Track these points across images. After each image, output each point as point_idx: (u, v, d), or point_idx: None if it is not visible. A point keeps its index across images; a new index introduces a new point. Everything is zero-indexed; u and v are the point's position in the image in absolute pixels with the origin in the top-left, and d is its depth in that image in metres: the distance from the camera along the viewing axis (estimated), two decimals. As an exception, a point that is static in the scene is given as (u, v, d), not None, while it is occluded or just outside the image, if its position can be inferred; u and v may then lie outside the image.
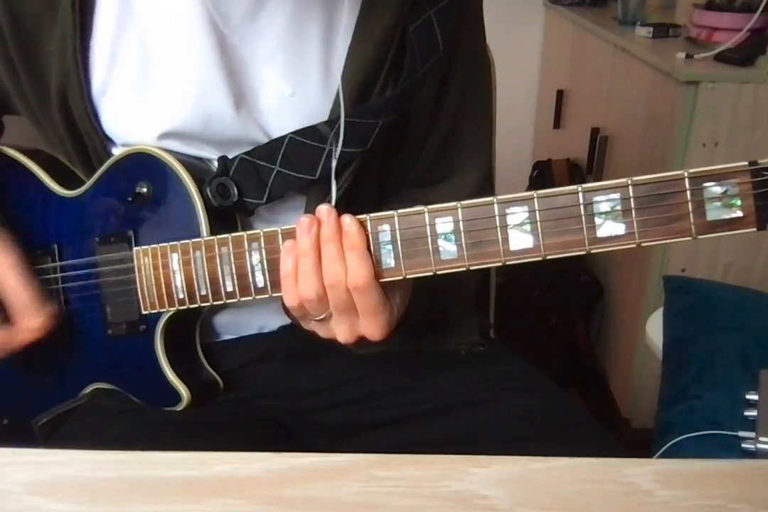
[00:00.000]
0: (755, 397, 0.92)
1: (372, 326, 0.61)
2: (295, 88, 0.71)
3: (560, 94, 2.37)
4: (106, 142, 0.75)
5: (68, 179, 0.77)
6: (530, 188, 2.41)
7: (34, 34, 0.71)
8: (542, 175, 2.28)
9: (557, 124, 2.41)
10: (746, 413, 0.91)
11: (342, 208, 0.73)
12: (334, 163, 0.70)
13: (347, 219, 0.60)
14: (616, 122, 1.91)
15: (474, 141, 0.82)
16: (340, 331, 0.62)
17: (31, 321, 0.71)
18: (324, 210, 0.60)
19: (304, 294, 0.60)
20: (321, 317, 0.62)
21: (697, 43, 1.65)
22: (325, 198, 0.73)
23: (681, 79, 1.46)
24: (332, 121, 0.70)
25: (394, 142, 0.77)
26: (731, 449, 0.90)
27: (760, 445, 0.87)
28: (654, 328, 1.23)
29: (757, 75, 1.45)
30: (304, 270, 0.60)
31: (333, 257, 0.59)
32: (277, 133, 0.72)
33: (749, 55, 1.48)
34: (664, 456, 0.95)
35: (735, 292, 1.25)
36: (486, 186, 0.82)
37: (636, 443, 0.93)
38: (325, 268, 0.60)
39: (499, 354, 0.84)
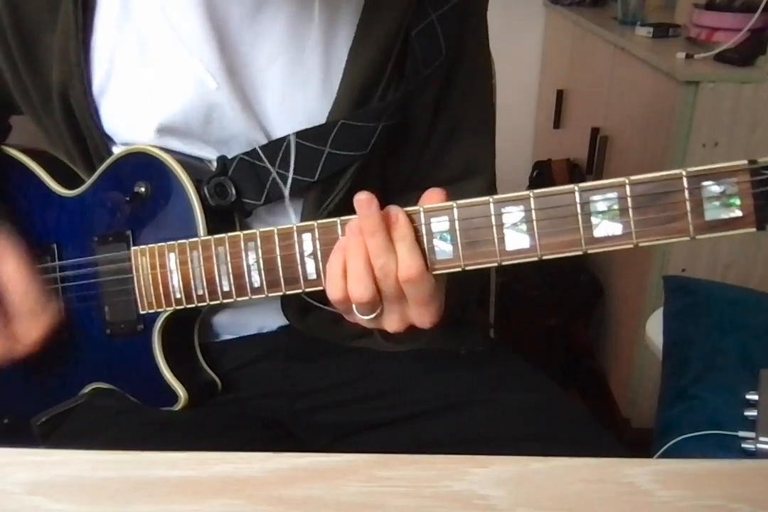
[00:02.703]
0: (755, 397, 0.92)
1: (424, 314, 0.59)
2: (295, 89, 0.71)
3: (560, 94, 2.37)
4: (107, 140, 0.75)
5: (69, 179, 0.77)
6: (530, 188, 2.40)
7: (36, 33, 0.71)
8: (542, 175, 2.28)
9: (557, 124, 2.41)
10: (746, 413, 0.91)
11: (341, 212, 0.73)
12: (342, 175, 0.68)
13: (394, 209, 0.58)
14: (616, 122, 1.91)
15: (478, 143, 0.81)
16: (390, 321, 0.60)
17: (31, 330, 0.71)
18: (364, 200, 0.57)
19: (355, 296, 0.58)
20: (372, 316, 0.60)
21: (697, 43, 1.65)
22: (323, 200, 0.73)
23: (681, 79, 1.46)
24: (330, 124, 0.70)
25: (396, 146, 0.76)
26: (731, 449, 0.90)
27: (760, 445, 0.87)
28: (654, 328, 1.23)
29: (757, 75, 1.45)
30: (355, 269, 0.58)
31: (381, 248, 0.57)
32: (276, 132, 0.72)
33: (749, 55, 1.48)
34: (664, 456, 0.95)
35: (735, 292, 1.24)
36: (492, 189, 0.82)
37: (636, 443, 0.93)
38: (374, 260, 0.58)
39: (499, 354, 0.84)
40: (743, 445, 0.88)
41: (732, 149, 1.47)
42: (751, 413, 0.91)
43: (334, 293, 0.60)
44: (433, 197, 0.58)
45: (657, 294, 1.54)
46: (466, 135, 0.80)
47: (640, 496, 0.49)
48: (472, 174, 0.81)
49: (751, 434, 0.88)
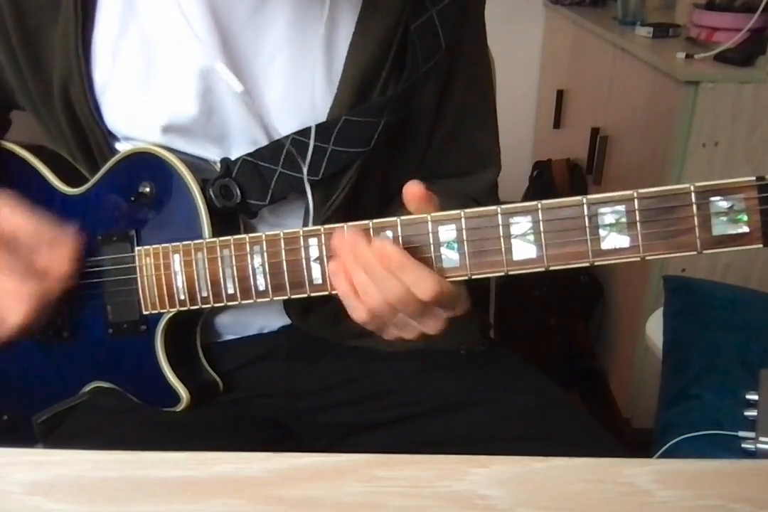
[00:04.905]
0: (755, 397, 0.92)
1: (457, 311, 0.61)
2: (297, 85, 0.71)
3: (560, 94, 2.37)
4: (109, 137, 0.74)
5: (72, 176, 0.77)
6: (530, 188, 2.42)
7: (37, 29, 0.71)
8: (542, 175, 2.28)
9: (557, 124, 2.41)
10: (746, 413, 0.91)
11: (345, 209, 0.74)
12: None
13: (377, 243, 0.57)
14: (616, 122, 1.91)
15: (482, 138, 0.82)
16: (429, 325, 0.62)
17: (61, 261, 0.67)
18: (350, 238, 0.58)
19: (373, 305, 0.59)
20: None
21: (697, 43, 1.65)
22: (328, 199, 0.73)
23: (681, 79, 1.46)
24: (333, 121, 0.70)
25: (399, 142, 0.77)
26: (731, 449, 0.90)
27: (760, 445, 0.86)
28: (654, 328, 1.23)
29: (757, 75, 1.45)
30: (361, 282, 0.59)
31: (383, 277, 0.57)
32: (278, 129, 0.72)
33: (749, 55, 1.48)
34: (664, 456, 0.95)
35: (735, 292, 1.24)
36: (494, 186, 0.83)
37: (636, 443, 0.93)
38: (381, 289, 0.58)
39: (499, 354, 0.84)
40: (743, 445, 0.88)
41: (732, 149, 1.47)
42: (751, 413, 0.91)
43: (355, 310, 0.60)
44: (412, 189, 0.58)
45: (657, 294, 1.54)
46: (469, 130, 0.81)
47: (640, 496, 0.49)
48: (478, 168, 0.81)
49: (751, 434, 0.88)
